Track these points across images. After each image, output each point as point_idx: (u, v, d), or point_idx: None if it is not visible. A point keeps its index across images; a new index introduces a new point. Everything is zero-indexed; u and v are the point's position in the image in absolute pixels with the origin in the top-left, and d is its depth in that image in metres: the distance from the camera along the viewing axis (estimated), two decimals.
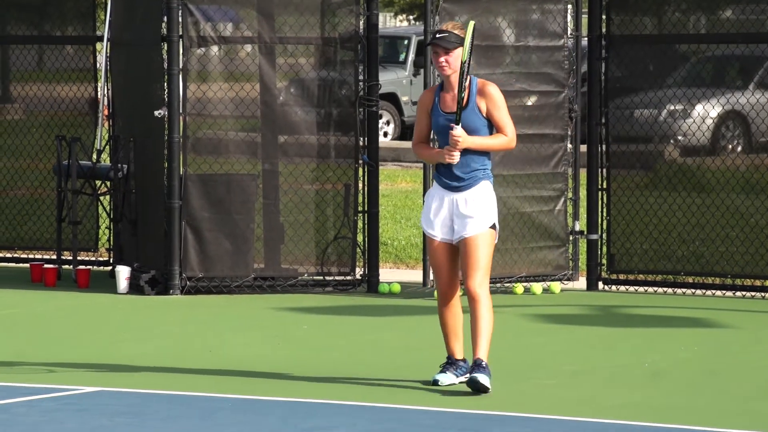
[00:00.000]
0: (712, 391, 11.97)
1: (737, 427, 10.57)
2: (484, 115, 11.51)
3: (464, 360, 11.59)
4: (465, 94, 11.51)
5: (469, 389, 11.39)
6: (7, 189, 18.15)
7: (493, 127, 11.55)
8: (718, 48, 17.44)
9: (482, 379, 11.33)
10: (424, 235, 14.42)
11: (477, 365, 11.38)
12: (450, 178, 11.54)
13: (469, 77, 11.54)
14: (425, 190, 15.90)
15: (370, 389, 11.75)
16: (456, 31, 11.59)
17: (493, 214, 11.44)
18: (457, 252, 11.51)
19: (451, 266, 11.56)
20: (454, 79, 11.46)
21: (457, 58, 11.48)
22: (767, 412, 11.10)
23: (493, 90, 11.50)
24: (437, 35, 11.57)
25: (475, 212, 11.44)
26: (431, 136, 11.79)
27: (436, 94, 11.61)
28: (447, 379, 11.54)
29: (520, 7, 16.43)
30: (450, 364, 11.59)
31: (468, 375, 11.48)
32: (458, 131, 11.23)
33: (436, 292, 13.91)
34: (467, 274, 11.38)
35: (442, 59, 11.44)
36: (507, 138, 11.52)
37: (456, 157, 11.35)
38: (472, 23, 11.44)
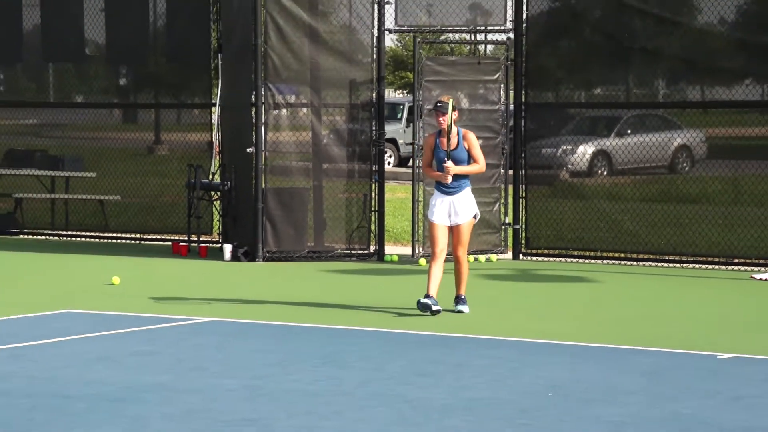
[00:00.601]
0: (595, 318, 12.47)
1: (621, 343, 10.94)
2: (467, 150, 12.25)
3: (433, 297, 12.04)
4: (454, 140, 12.10)
5: (455, 313, 12.20)
6: (159, 197, 18.72)
7: (469, 159, 12.24)
8: (592, 111, 17.92)
9: (463, 307, 12.29)
10: (413, 225, 16.05)
11: (460, 298, 12.34)
12: (447, 188, 12.22)
13: (456, 128, 12.20)
14: (414, 198, 16.62)
15: (378, 319, 12.02)
16: (448, 101, 12.17)
17: (473, 209, 12.22)
18: (448, 231, 12.18)
19: (444, 240, 12.18)
20: (447, 130, 12.11)
21: (448, 118, 12.09)
22: (633, 334, 11.41)
23: (471, 136, 12.30)
24: (438, 104, 12.24)
25: (463, 209, 12.21)
26: (433, 162, 12.37)
27: (436, 137, 12.29)
28: (425, 301, 11.94)
29: (472, 85, 16.85)
30: (427, 297, 12.06)
31: (455, 306, 12.22)
32: (449, 164, 12.09)
33: (422, 260, 15.49)
34: (456, 247, 12.17)
35: (440, 119, 12.14)
36: (479, 165, 12.26)
37: (449, 179, 12.12)
38: (451, 101, 12.08)
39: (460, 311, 12.27)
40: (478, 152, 12.30)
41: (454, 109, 12.20)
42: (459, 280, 12.33)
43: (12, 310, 12.46)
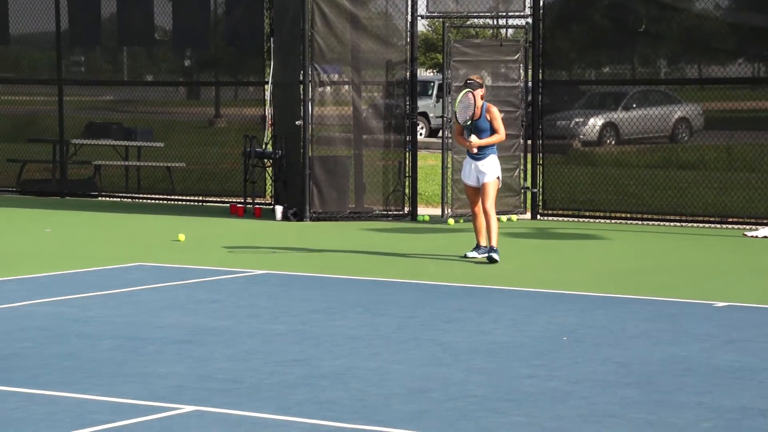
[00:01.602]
0: (604, 270, 12.39)
1: (619, 292, 11.00)
2: (488, 121, 12.50)
3: (484, 246, 12.61)
4: (478, 111, 12.40)
5: (488, 262, 12.42)
6: (218, 164, 18.74)
7: (491, 129, 12.50)
8: (601, 87, 18.00)
9: (496, 255, 12.45)
10: (442, 188, 16.06)
11: (492, 249, 12.50)
12: (475, 154, 12.54)
13: (481, 102, 12.45)
14: (443, 165, 16.49)
15: (411, 272, 11.97)
16: (477, 80, 12.52)
17: (496, 172, 12.51)
18: (478, 191, 12.54)
19: (476, 197, 12.58)
20: (477, 105, 12.40)
21: (476, 94, 12.40)
22: (637, 285, 11.44)
23: (493, 109, 12.55)
24: (468, 81, 12.55)
25: (487, 170, 12.51)
26: (464, 132, 12.61)
27: None
28: (472, 254, 12.66)
29: (494, 65, 16.67)
30: (477, 247, 12.70)
31: (487, 254, 12.53)
32: (473, 139, 12.45)
33: (451, 220, 15.53)
34: (484, 201, 12.45)
35: (469, 95, 12.44)
36: (498, 135, 12.48)
37: (475, 150, 12.47)
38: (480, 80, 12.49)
39: (491, 258, 12.50)
40: (498, 124, 12.52)
41: (481, 86, 12.49)
42: (489, 231, 12.54)
43: (91, 263, 12.57)
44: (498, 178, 12.57)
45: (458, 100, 12.57)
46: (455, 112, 12.58)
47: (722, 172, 16.04)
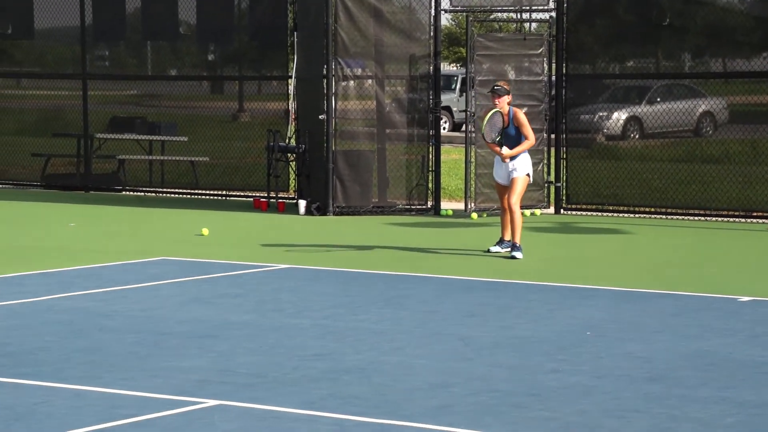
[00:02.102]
0: (628, 265, 12.38)
1: (649, 287, 10.96)
2: (516, 127, 12.46)
3: (508, 240, 12.55)
4: (505, 120, 12.39)
5: (508, 258, 12.33)
6: (242, 158, 18.78)
7: (520, 134, 12.47)
8: (625, 81, 17.89)
9: (517, 252, 12.39)
10: (465, 183, 16.06)
11: (514, 246, 12.46)
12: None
13: (508, 108, 12.40)
14: (466, 159, 16.50)
15: (434, 266, 11.99)
16: (505, 86, 12.50)
17: (527, 169, 12.47)
18: (507, 189, 12.52)
19: (505, 194, 12.52)
20: (504, 111, 12.37)
21: (503, 101, 12.37)
22: (661, 279, 11.38)
23: (520, 115, 12.51)
24: (495, 87, 12.49)
25: (518, 167, 12.47)
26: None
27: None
28: (495, 249, 12.67)
29: (518, 59, 16.70)
30: (500, 241, 12.68)
31: (509, 249, 12.52)
32: (505, 151, 12.41)
33: (474, 214, 15.43)
34: (510, 196, 12.45)
35: (496, 101, 12.46)
36: (529, 141, 12.48)
37: (508, 160, 12.47)
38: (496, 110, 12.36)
39: (513, 257, 12.42)
40: (527, 130, 12.53)
41: (508, 93, 12.50)
42: (513, 228, 12.51)
43: (116, 257, 12.63)
44: (528, 175, 12.58)
45: (486, 119, 12.52)
46: (483, 132, 12.60)
47: (747, 166, 16.01)
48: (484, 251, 12.81)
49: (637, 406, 6.84)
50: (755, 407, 6.84)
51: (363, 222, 15.97)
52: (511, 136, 12.49)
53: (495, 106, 12.48)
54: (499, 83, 12.61)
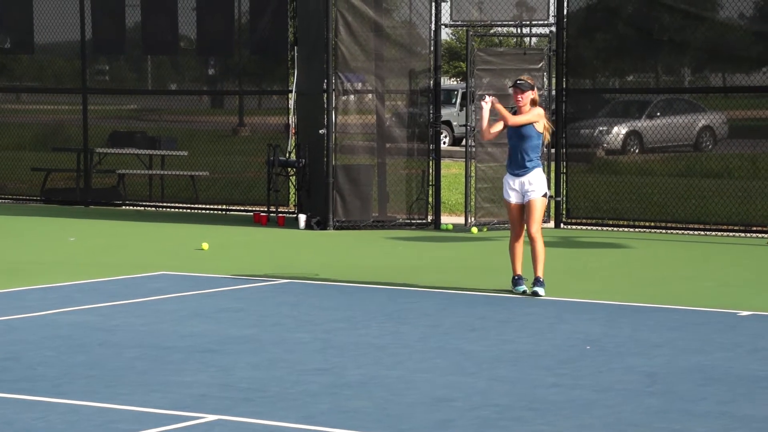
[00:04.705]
0: (627, 279, 12.38)
1: (650, 301, 10.92)
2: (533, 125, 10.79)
3: (520, 275, 11.07)
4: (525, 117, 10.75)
5: (530, 295, 10.99)
6: (242, 172, 18.73)
7: (538, 135, 10.82)
8: (625, 96, 18.02)
9: (540, 289, 10.93)
10: (466, 197, 15.93)
11: (538, 280, 10.99)
12: (517, 168, 10.87)
13: (530, 107, 10.82)
14: (467, 174, 16.48)
15: (435, 281, 11.86)
16: (528, 81, 10.94)
17: (544, 188, 10.93)
18: (523, 210, 10.95)
19: (521, 218, 10.97)
20: (524, 110, 10.83)
21: (527, 96, 10.79)
22: (661, 294, 11.34)
23: (539, 109, 10.84)
24: (518, 82, 10.90)
25: (535, 185, 10.88)
26: (490, 128, 10.95)
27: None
28: (519, 289, 11.00)
29: (518, 73, 15.46)
30: (518, 279, 11.07)
31: (530, 287, 10.97)
32: (488, 99, 10.79)
33: (474, 228, 15.30)
34: (530, 225, 10.87)
35: (519, 96, 10.82)
36: (509, 118, 10.76)
37: (488, 101, 10.75)
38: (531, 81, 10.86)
39: (535, 293, 10.95)
40: (528, 116, 10.80)
41: (532, 89, 10.89)
42: (535, 259, 10.93)
43: (116, 271, 12.59)
44: (545, 194, 10.98)
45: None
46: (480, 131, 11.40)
47: (746, 181, 15.96)
48: (515, 292, 11.11)
49: (638, 420, 6.83)
50: (756, 422, 6.83)
51: (363, 236, 15.95)
52: (528, 135, 10.83)
53: (516, 102, 10.87)
54: (522, 77, 10.97)
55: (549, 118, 11.30)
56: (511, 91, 11.32)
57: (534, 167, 10.99)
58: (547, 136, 11.13)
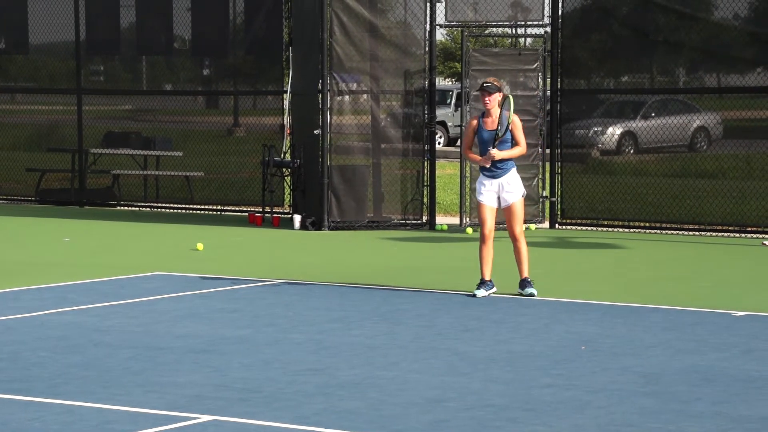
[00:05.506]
0: (622, 279, 12.34)
1: (638, 302, 10.95)
2: (511, 131, 10.95)
3: (490, 280, 11.08)
4: (503, 127, 10.90)
5: (524, 296, 11.00)
6: (237, 173, 18.73)
7: (513, 141, 10.99)
8: (620, 96, 18.02)
9: (531, 290, 11.04)
10: (461, 198, 15.89)
11: (525, 281, 11.08)
12: (493, 170, 10.98)
13: (499, 110, 10.96)
14: (461, 174, 16.40)
15: (429, 281, 11.84)
16: (495, 83, 11.08)
17: (521, 188, 11.06)
18: (496, 211, 11.00)
19: (493, 220, 11.01)
20: (494, 112, 10.95)
21: (494, 99, 10.94)
22: (656, 294, 11.30)
23: (516, 119, 11.00)
24: (484, 84, 11.04)
25: (512, 188, 10.99)
26: (474, 145, 11.24)
27: (480, 118, 11.11)
28: (480, 293, 11.04)
29: (513, 74, 16.53)
30: (482, 283, 11.09)
31: (522, 289, 11.04)
32: (494, 151, 10.84)
33: (469, 229, 15.20)
34: (512, 225, 10.96)
35: (486, 99, 10.96)
36: (520, 148, 11.00)
37: (489, 164, 10.94)
38: (511, 97, 11.00)
39: (530, 294, 11.03)
40: (520, 136, 11.04)
41: (499, 90, 11.03)
42: (519, 261, 11.05)
43: (110, 272, 12.59)
44: (523, 195, 11.13)
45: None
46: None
47: (741, 181, 15.99)
48: (470, 295, 11.12)
49: (632, 421, 6.84)
50: (750, 422, 6.84)
51: (358, 237, 15.93)
52: (504, 141, 10.98)
53: (484, 105, 11.02)
54: (489, 80, 11.12)
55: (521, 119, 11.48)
56: (478, 93, 11.37)
57: (510, 168, 11.14)
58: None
